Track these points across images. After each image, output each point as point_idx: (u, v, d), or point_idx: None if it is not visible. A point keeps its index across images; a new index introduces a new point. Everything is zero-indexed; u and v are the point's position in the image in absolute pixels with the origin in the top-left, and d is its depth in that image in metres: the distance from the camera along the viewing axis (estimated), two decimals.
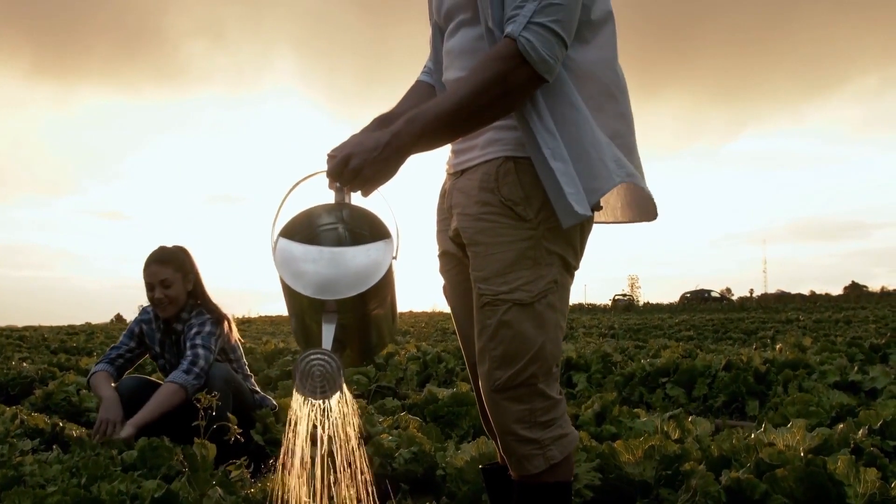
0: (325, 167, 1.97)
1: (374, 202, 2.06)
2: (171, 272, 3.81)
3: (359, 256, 2.10)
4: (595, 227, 2.07)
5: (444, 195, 2.18)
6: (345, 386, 1.98)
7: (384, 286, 2.04)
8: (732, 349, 9.31)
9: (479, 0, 1.91)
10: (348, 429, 2.00)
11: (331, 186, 2.01)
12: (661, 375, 6.31)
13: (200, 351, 3.68)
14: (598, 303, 64.78)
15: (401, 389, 7.30)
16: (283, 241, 2.11)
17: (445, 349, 8.76)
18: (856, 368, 6.01)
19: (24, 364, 8.24)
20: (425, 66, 2.33)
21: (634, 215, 2.15)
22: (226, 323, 3.91)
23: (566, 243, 1.97)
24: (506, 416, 1.96)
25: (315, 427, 1.99)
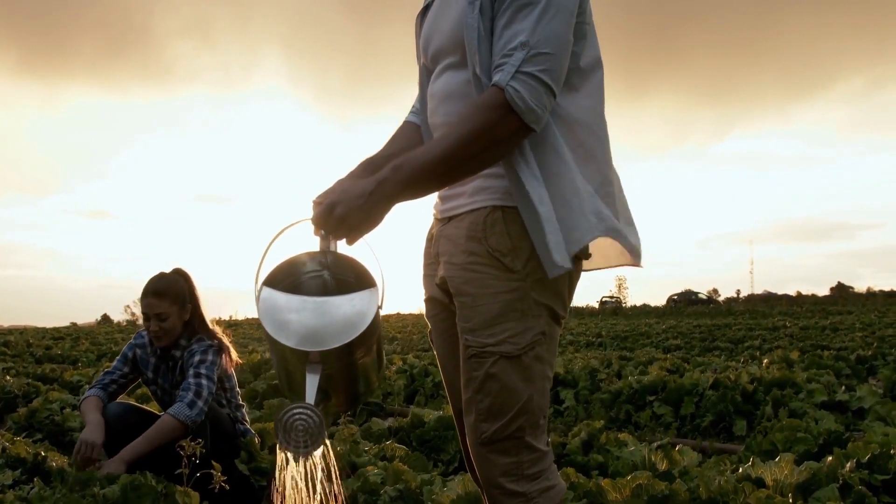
0: (310, 213, 1.95)
1: (360, 250, 2.04)
2: (167, 305, 3.71)
3: (343, 306, 2.07)
4: None
5: (431, 240, 2.16)
6: (328, 441, 1.95)
7: (370, 335, 2.01)
8: (720, 361, 9.32)
9: (467, 45, 1.89)
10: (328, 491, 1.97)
11: (316, 233, 1.99)
12: (649, 393, 6.31)
13: (204, 382, 3.58)
14: (585, 304, 64.80)
15: (388, 405, 7.28)
16: (267, 291, 2.08)
17: (432, 362, 8.73)
18: (843, 388, 6.03)
19: (8, 378, 8.17)
20: (413, 107, 2.31)
21: (627, 260, 2.12)
22: (225, 354, 3.82)
23: (554, 294, 1.95)
24: (492, 469, 1.94)
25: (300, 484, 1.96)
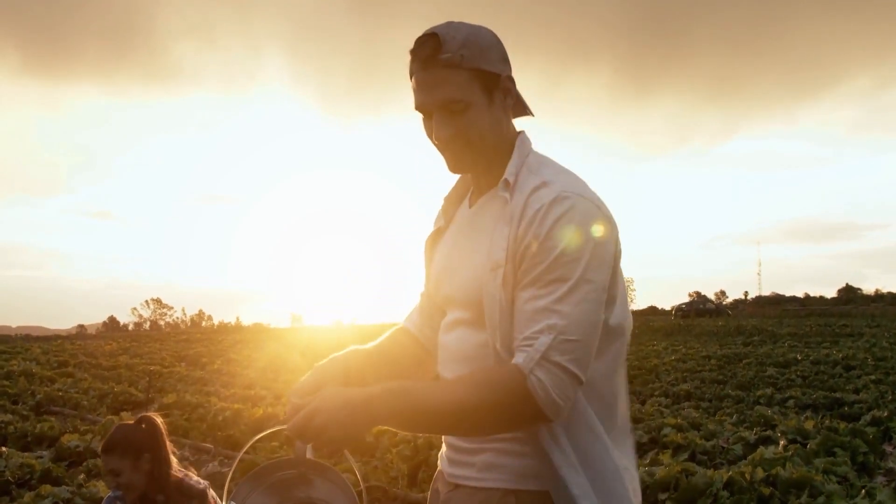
0: (288, 417, 1.72)
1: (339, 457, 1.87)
2: (116, 461, 3.40)
3: None
4: None
5: (437, 497, 1.97)
6: None
7: None
8: (732, 426, 9.13)
9: (487, 318, 1.70)
10: None
11: (295, 439, 1.78)
12: (661, 490, 6.09)
13: None
14: None
15: (390, 488, 7.06)
16: None
17: None
18: (863, 492, 5.82)
19: (3, 449, 8.03)
20: (412, 315, 2.11)
21: None
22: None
23: None
24: None
25: None
